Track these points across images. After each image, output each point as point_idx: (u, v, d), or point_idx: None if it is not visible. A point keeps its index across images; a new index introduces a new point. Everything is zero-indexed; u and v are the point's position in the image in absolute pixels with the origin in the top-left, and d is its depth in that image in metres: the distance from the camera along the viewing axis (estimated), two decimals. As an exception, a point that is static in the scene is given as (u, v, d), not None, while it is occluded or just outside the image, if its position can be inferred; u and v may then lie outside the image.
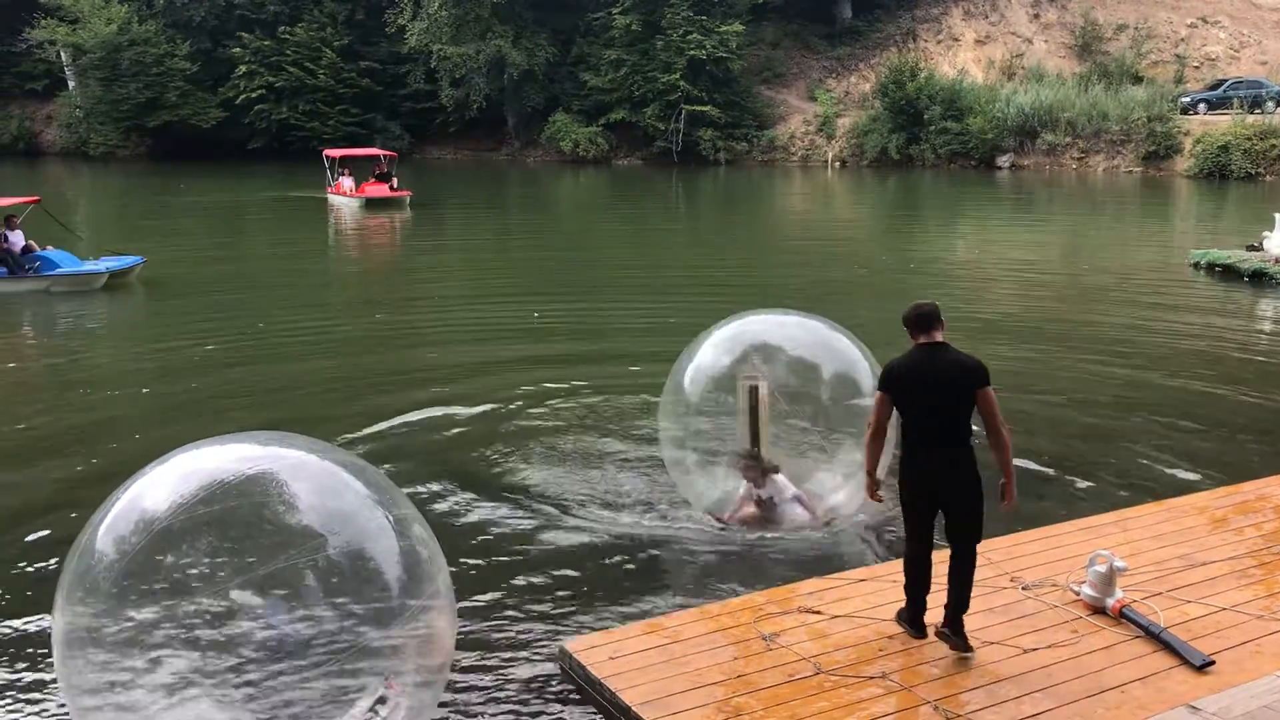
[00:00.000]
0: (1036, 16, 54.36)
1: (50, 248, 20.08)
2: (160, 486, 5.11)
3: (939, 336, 6.09)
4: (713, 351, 8.68)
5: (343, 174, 34.21)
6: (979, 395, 5.93)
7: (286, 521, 5.20)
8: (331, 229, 30.48)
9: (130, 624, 4.93)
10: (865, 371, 8.38)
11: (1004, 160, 47.51)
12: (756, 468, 8.48)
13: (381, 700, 5.21)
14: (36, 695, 6.34)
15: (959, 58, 53.29)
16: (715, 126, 50.75)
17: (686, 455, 8.90)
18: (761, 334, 8.77)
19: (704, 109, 50.01)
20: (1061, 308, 18.35)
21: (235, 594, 5.03)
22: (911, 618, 6.31)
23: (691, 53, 49.25)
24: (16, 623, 7.17)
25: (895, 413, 6.11)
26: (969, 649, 6.04)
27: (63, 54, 54.09)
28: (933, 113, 47.91)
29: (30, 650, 6.78)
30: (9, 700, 6.40)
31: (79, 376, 14.16)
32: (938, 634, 6.14)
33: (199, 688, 4.96)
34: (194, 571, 5.02)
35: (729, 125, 51.27)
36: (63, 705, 5.47)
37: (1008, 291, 19.99)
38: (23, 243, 19.76)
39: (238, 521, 5.16)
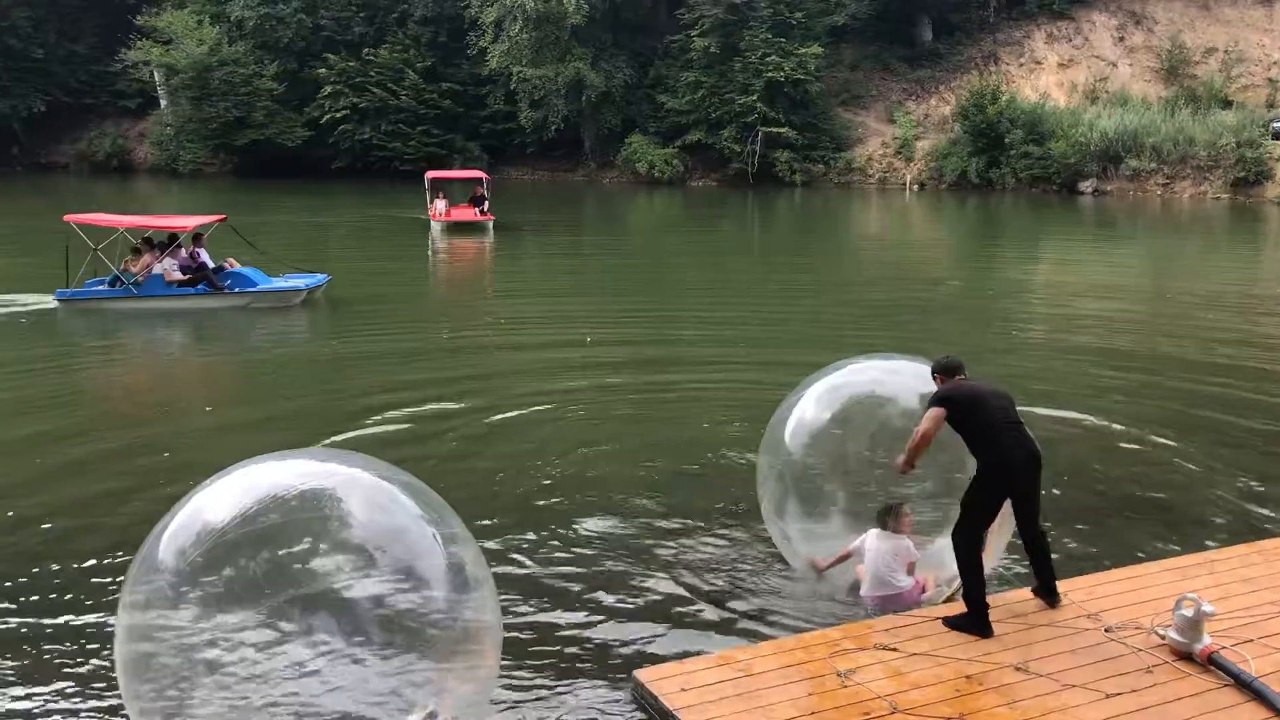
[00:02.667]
0: (1122, 40, 53.46)
1: (233, 263, 20.42)
2: (220, 499, 5.28)
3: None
4: (814, 406, 8.04)
5: (438, 196, 34.63)
6: None
7: (338, 536, 5.36)
8: (429, 249, 30.91)
9: (186, 631, 5.09)
10: None
11: (1087, 185, 46.69)
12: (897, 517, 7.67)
13: (432, 715, 5.27)
14: (102, 688, 6.49)
15: (1041, 81, 52.57)
16: (792, 148, 50.63)
17: (787, 524, 8.16)
18: (869, 384, 8.23)
19: (781, 131, 49.91)
20: (1150, 337, 17.89)
21: (287, 606, 5.18)
22: (982, 619, 6.80)
23: (769, 75, 49.21)
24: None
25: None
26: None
27: (156, 74, 55.62)
28: (1014, 136, 47.29)
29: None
30: (76, 694, 6.62)
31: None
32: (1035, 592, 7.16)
33: (250, 696, 5.10)
34: (248, 582, 5.16)
35: (806, 147, 51.11)
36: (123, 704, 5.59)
37: (1094, 317, 19.53)
38: (210, 262, 20.17)
39: (292, 535, 5.34)
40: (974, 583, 6.83)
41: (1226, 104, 48.14)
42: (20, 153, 59.04)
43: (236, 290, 19.82)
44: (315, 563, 5.29)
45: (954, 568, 7.16)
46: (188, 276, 19.75)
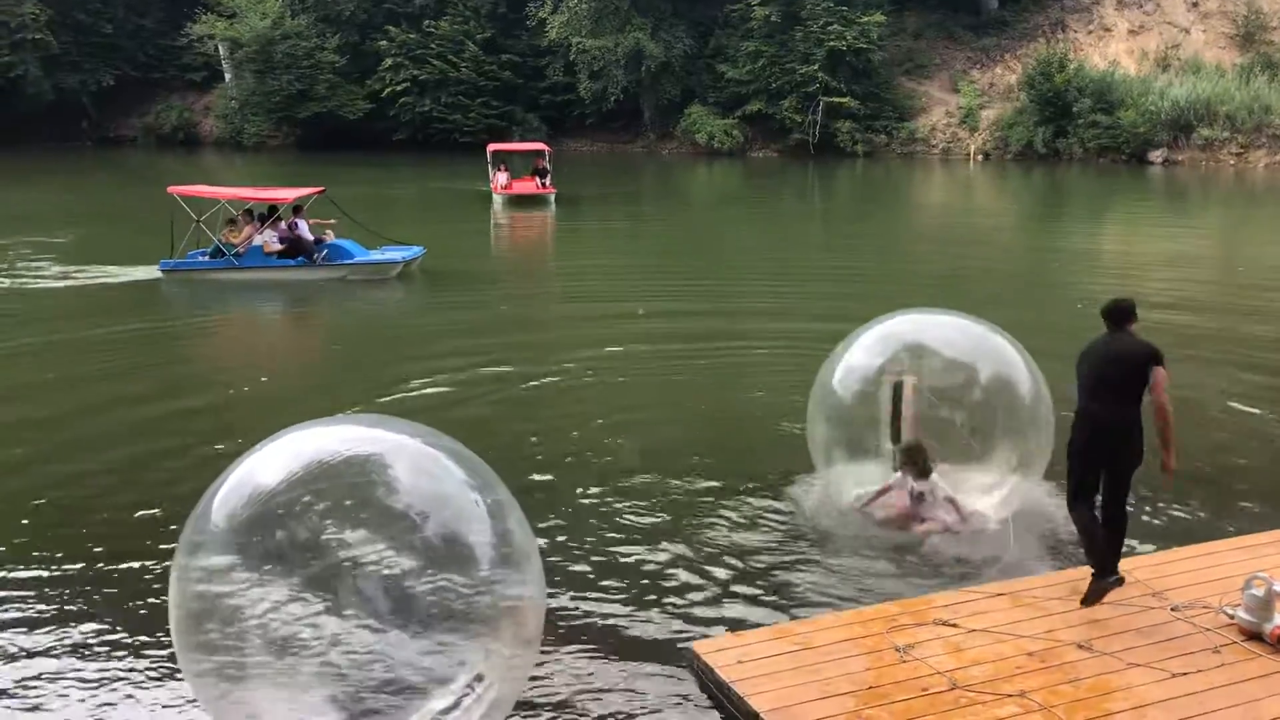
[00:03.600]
0: (1195, 5, 51.98)
1: (330, 235, 20.66)
2: (269, 464, 5.38)
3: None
4: (863, 353, 8.58)
5: (500, 169, 34.48)
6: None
7: (385, 502, 5.45)
8: (491, 222, 30.96)
9: (235, 594, 5.22)
10: (1023, 373, 8.24)
11: (1157, 155, 45.60)
12: (917, 463, 8.27)
13: (479, 678, 5.35)
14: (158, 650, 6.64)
15: (1111, 49, 51.34)
16: (854, 118, 49.99)
17: (834, 454, 8.78)
18: (914, 333, 8.64)
19: (843, 101, 49.28)
20: (1222, 311, 17.44)
21: (333, 571, 5.29)
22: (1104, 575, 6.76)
23: (831, 44, 48.55)
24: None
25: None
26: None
27: (220, 47, 56.21)
28: (1082, 105, 46.28)
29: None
30: (129, 647, 6.86)
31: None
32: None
33: (302, 654, 5.22)
34: (295, 547, 5.28)
35: (868, 117, 50.43)
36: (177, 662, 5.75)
37: (1167, 288, 19.02)
38: (309, 234, 20.44)
39: (339, 500, 5.45)
40: (1084, 544, 6.90)
41: (1305, 70, 46.73)
42: (89, 127, 60.06)
43: (334, 262, 20.07)
44: (361, 529, 5.39)
45: (980, 505, 8.30)
46: (285, 248, 20.02)
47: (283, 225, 20.28)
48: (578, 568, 7.98)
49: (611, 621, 7.22)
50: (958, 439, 8.41)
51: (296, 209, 20.67)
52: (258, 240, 19.92)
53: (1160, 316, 16.80)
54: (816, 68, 48.82)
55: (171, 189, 20.76)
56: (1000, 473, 8.33)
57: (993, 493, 8.35)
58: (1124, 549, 7.04)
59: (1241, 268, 22.15)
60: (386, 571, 5.32)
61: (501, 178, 34.00)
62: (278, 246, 19.96)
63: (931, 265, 22.04)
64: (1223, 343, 15.10)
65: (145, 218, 24.61)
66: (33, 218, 28.16)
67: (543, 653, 6.74)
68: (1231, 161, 44.60)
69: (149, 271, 20.07)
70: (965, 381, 8.41)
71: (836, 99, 49.22)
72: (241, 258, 19.80)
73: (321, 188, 21.72)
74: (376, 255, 20.50)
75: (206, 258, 20.05)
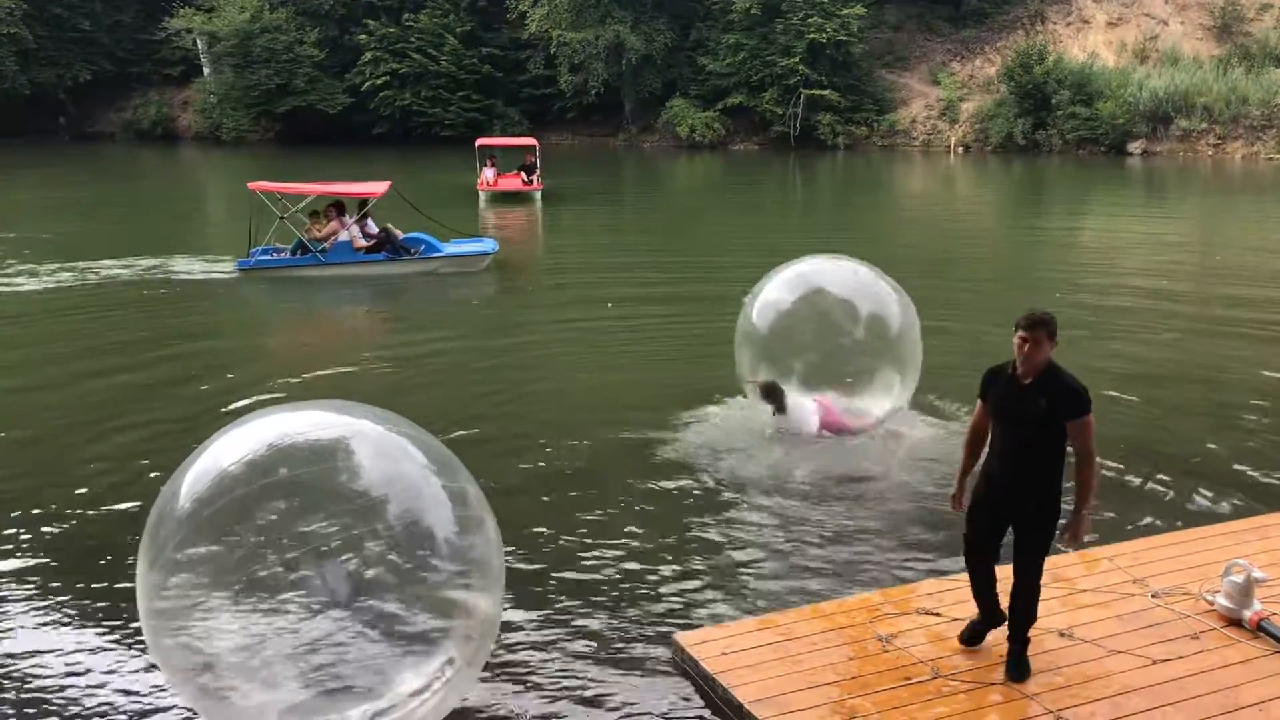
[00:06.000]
0: (1173, -4, 52.29)
1: (394, 230, 20.51)
2: (230, 449, 5.39)
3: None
4: (776, 289, 10.45)
5: (487, 164, 33.77)
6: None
7: (348, 486, 5.46)
8: (478, 220, 30.67)
9: (203, 578, 5.25)
10: (895, 309, 10.23)
11: (1135, 146, 45.82)
12: (775, 399, 10.26)
13: (450, 661, 5.43)
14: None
15: (1089, 40, 51.53)
16: (834, 111, 50.06)
17: (756, 372, 10.57)
18: (815, 273, 10.55)
19: (823, 93, 49.34)
20: (1200, 300, 17.56)
21: (296, 554, 5.29)
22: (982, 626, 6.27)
23: (811, 36, 48.60)
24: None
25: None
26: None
27: (198, 41, 55.84)
28: (1061, 97, 46.45)
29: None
30: (110, 637, 6.82)
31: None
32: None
33: (270, 641, 5.24)
34: (259, 530, 5.28)
35: (848, 109, 50.51)
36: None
37: (1142, 278, 19.20)
38: (375, 227, 20.32)
39: (300, 485, 5.46)
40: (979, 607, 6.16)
41: (1281, 62, 47.02)
42: (67, 122, 59.62)
43: (424, 255, 20.00)
44: (323, 513, 5.39)
45: (876, 413, 10.38)
46: (372, 243, 19.94)
47: (369, 222, 20.16)
48: (555, 559, 7.98)
49: (593, 612, 7.21)
50: (850, 361, 10.34)
51: (362, 204, 20.58)
52: (344, 235, 19.81)
53: (1136, 303, 17.02)
54: (797, 60, 48.85)
55: (252, 185, 20.38)
56: (883, 387, 10.36)
57: (881, 404, 10.38)
58: (1107, 537, 7.11)
59: (1219, 256, 22.28)
60: (348, 556, 5.35)
61: (488, 173, 33.43)
62: (364, 242, 19.91)
63: (915, 251, 22.07)
64: (1200, 333, 15.19)
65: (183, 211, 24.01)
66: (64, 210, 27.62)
67: (523, 648, 6.76)
68: (1209, 153, 44.85)
69: (222, 268, 19.81)
70: (852, 312, 10.27)
71: (817, 91, 49.27)
72: (328, 253, 19.67)
73: (390, 181, 21.58)
74: (468, 247, 20.44)
75: (280, 255, 19.73)
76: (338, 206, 20.33)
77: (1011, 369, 5.67)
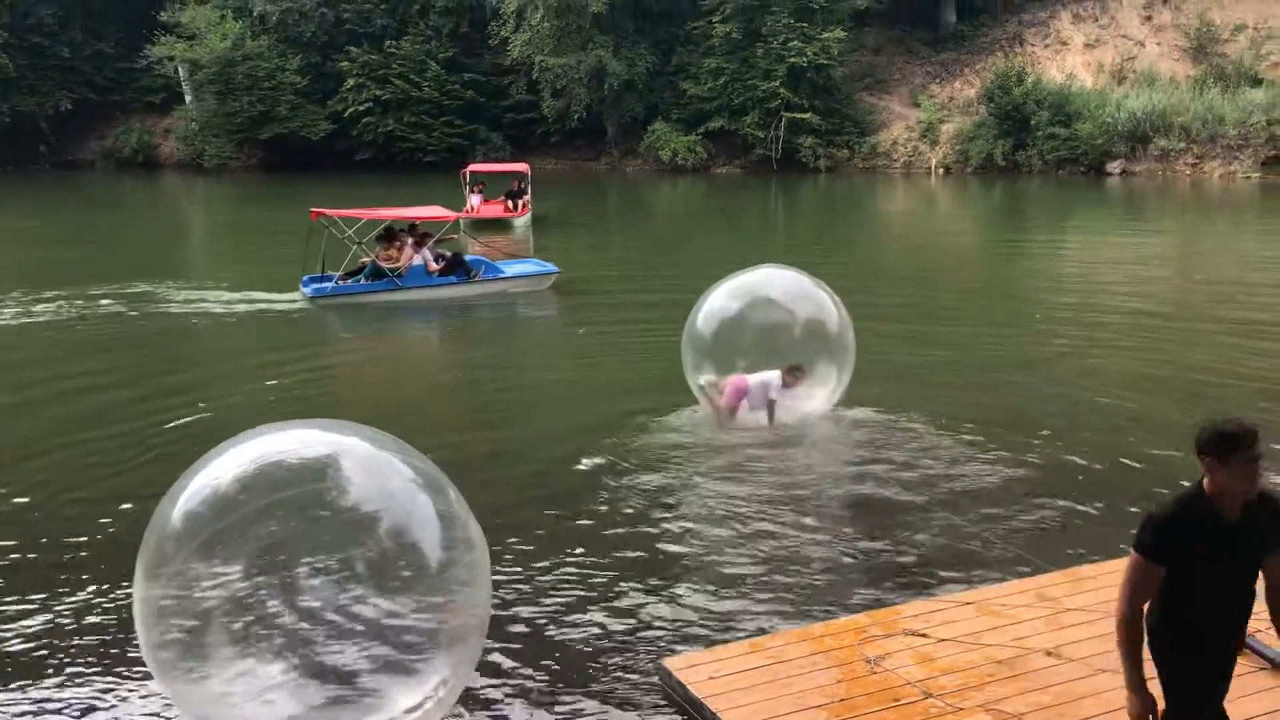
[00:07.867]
0: (1149, 19, 52.78)
1: (444, 254, 20.59)
2: (223, 468, 5.42)
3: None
4: (722, 298, 11.33)
5: (475, 190, 32.95)
6: None
7: (341, 505, 5.50)
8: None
9: (197, 597, 5.27)
10: (834, 314, 11.17)
11: (1115, 166, 46.17)
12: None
13: (444, 681, 5.47)
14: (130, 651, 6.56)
15: (1067, 62, 51.99)
16: (816, 134, 50.33)
17: (701, 371, 11.41)
18: (759, 283, 11.48)
19: (804, 116, 49.61)
20: (1183, 316, 17.64)
21: (288, 570, 5.35)
22: None
23: (792, 60, 48.89)
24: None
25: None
26: None
27: (180, 69, 55.84)
28: (1040, 118, 46.81)
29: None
30: (105, 654, 6.69)
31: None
32: None
33: (263, 660, 5.27)
34: (251, 547, 5.32)
35: (830, 132, 50.79)
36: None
37: (1123, 295, 19.31)
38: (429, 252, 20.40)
39: (298, 503, 5.51)
40: None
41: (1256, 82, 47.40)
42: (48, 151, 59.47)
43: (490, 277, 20.20)
44: (313, 527, 5.45)
45: (807, 408, 11.29)
46: (442, 266, 20.11)
47: (411, 242, 20.19)
48: (541, 583, 7.94)
49: (580, 636, 7.19)
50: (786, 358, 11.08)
51: (413, 227, 20.67)
52: (417, 260, 19.89)
53: (1120, 320, 17.11)
54: (778, 84, 49.11)
55: (316, 211, 19.97)
56: (818, 385, 11.20)
57: (812, 399, 11.26)
58: (1093, 554, 7.11)
59: (1199, 275, 22.42)
60: (337, 571, 5.39)
61: (474, 199, 32.55)
62: (436, 266, 20.04)
63: (893, 270, 22.16)
64: (1187, 344, 15.26)
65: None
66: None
67: (507, 673, 6.71)
68: (1187, 172, 45.22)
69: (289, 297, 19.55)
70: (791, 317, 11.26)
71: (798, 115, 49.53)
72: (403, 278, 19.68)
73: (456, 213, 22.03)
74: (532, 267, 20.77)
75: (339, 281, 19.42)
76: (412, 231, 20.45)
77: (1204, 505, 4.27)
